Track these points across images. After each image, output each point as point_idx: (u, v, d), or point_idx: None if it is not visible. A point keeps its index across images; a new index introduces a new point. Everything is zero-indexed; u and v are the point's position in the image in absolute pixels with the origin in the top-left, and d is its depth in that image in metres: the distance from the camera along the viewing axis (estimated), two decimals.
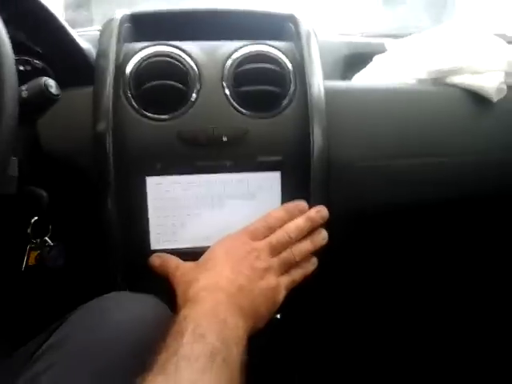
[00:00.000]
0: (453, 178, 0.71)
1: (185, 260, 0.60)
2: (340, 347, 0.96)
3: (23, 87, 0.49)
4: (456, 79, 0.71)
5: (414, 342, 0.97)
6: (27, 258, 0.57)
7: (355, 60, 0.82)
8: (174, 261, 0.60)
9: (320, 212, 0.61)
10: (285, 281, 0.58)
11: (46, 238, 0.58)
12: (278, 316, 0.66)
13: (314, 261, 0.62)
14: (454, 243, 0.86)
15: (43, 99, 0.50)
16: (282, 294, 0.57)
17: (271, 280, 0.56)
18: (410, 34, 0.81)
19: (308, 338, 0.87)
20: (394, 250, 0.83)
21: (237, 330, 0.48)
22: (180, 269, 0.58)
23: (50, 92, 0.50)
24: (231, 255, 0.56)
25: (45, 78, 0.50)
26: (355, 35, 0.94)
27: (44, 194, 0.54)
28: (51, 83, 0.50)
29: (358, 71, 0.80)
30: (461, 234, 0.85)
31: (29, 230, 0.57)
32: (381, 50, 0.81)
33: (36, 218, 0.57)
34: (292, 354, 0.81)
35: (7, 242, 0.60)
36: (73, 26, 0.64)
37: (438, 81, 0.72)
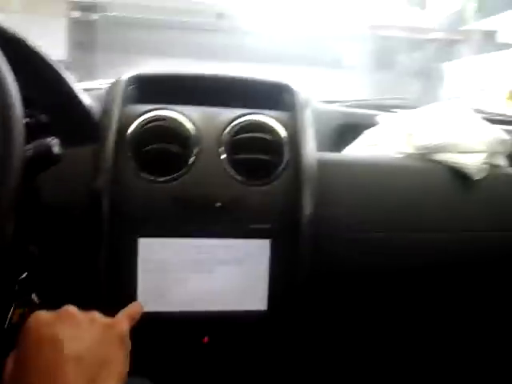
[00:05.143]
0: (437, 250, 0.73)
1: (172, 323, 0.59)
2: None
3: (28, 146, 0.50)
4: (442, 156, 0.75)
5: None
6: (11, 316, 0.56)
7: (347, 130, 0.86)
8: None
9: None
10: None
11: (33, 296, 0.57)
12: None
13: None
14: (435, 307, 0.87)
15: (46, 159, 0.51)
16: None
17: None
18: (397, 104, 0.84)
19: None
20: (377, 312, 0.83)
21: None
22: None
23: (53, 153, 0.51)
24: None
25: (49, 139, 0.51)
26: (343, 102, 0.97)
27: (36, 250, 0.55)
28: (55, 144, 0.52)
29: (350, 142, 0.84)
30: (442, 299, 0.85)
31: (16, 287, 0.56)
32: (373, 121, 0.85)
33: (25, 274, 0.57)
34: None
35: None
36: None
37: (426, 156, 0.76)
